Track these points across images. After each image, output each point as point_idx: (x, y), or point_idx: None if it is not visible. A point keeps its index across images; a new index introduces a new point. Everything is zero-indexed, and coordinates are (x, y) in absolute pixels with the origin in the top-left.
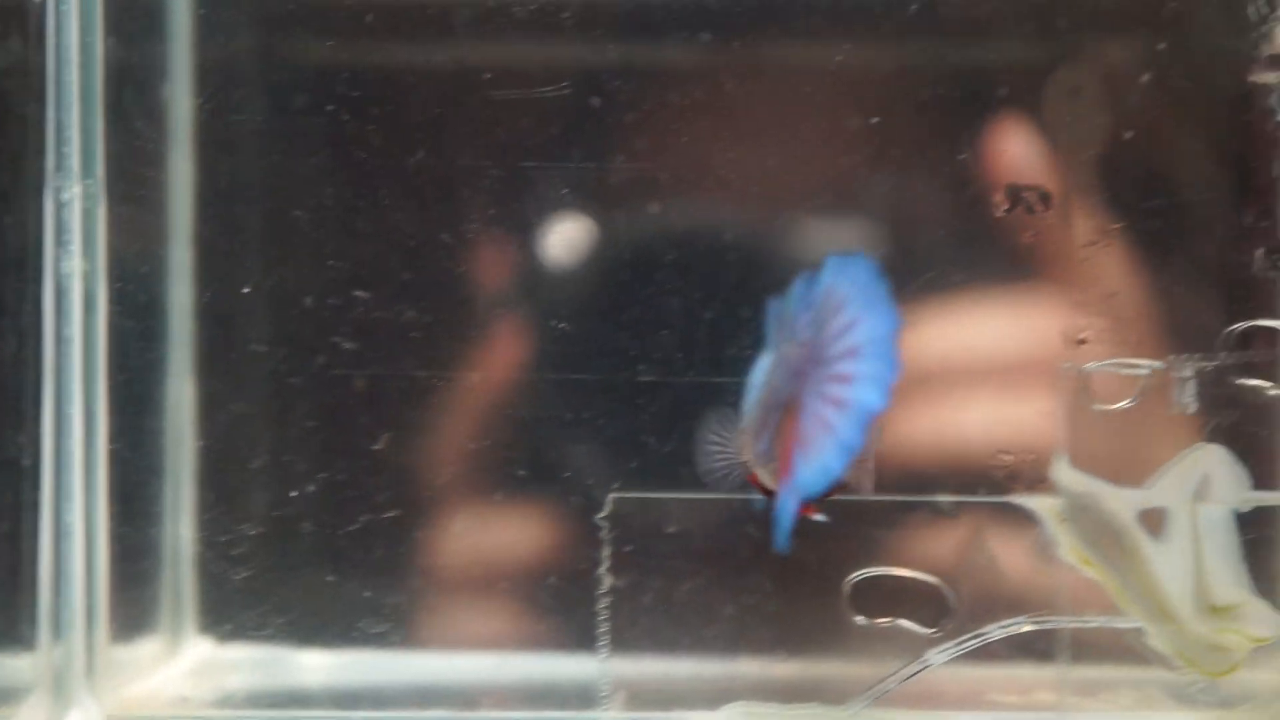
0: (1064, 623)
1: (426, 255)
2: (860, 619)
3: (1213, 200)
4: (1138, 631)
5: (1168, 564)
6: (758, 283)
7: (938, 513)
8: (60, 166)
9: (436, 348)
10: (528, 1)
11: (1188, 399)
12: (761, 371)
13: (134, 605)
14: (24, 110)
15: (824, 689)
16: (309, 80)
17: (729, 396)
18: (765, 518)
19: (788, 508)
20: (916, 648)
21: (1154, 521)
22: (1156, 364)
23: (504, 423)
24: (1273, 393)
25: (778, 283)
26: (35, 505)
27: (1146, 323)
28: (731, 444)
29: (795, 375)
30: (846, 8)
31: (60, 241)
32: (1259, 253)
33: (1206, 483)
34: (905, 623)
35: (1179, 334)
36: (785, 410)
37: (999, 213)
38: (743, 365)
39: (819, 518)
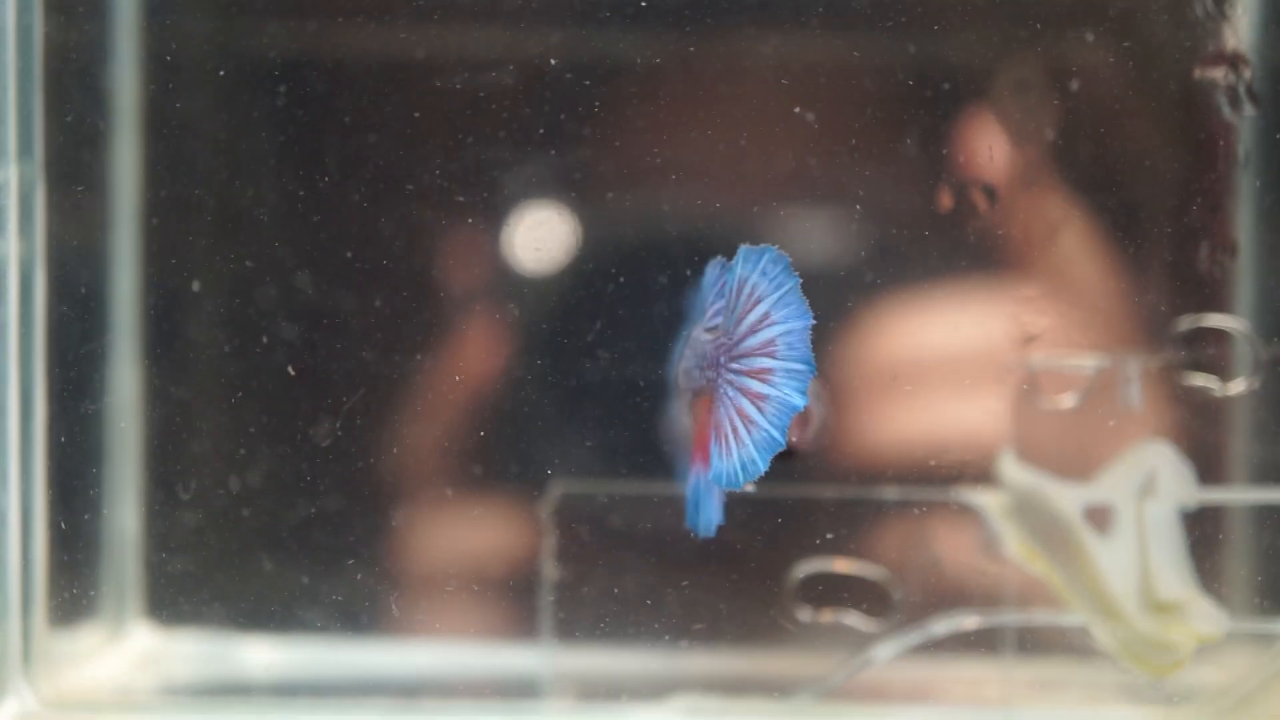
0: (1009, 620)
1: (375, 243)
2: (804, 616)
3: (1160, 197)
4: (1083, 628)
5: (1113, 561)
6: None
7: (883, 507)
8: None
9: (382, 337)
10: None
11: (1134, 396)
12: (678, 353)
13: (74, 593)
14: None
15: (769, 683)
16: (258, 64)
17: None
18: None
19: (702, 495)
20: (863, 642)
21: (1100, 518)
22: (1103, 361)
23: (452, 414)
24: (1218, 391)
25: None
26: None
27: (1093, 320)
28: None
29: (709, 364)
30: (795, 4)
31: None
32: (1204, 249)
33: (1152, 480)
34: (850, 618)
35: (1126, 331)
36: (700, 397)
37: (944, 209)
38: None
39: (748, 488)
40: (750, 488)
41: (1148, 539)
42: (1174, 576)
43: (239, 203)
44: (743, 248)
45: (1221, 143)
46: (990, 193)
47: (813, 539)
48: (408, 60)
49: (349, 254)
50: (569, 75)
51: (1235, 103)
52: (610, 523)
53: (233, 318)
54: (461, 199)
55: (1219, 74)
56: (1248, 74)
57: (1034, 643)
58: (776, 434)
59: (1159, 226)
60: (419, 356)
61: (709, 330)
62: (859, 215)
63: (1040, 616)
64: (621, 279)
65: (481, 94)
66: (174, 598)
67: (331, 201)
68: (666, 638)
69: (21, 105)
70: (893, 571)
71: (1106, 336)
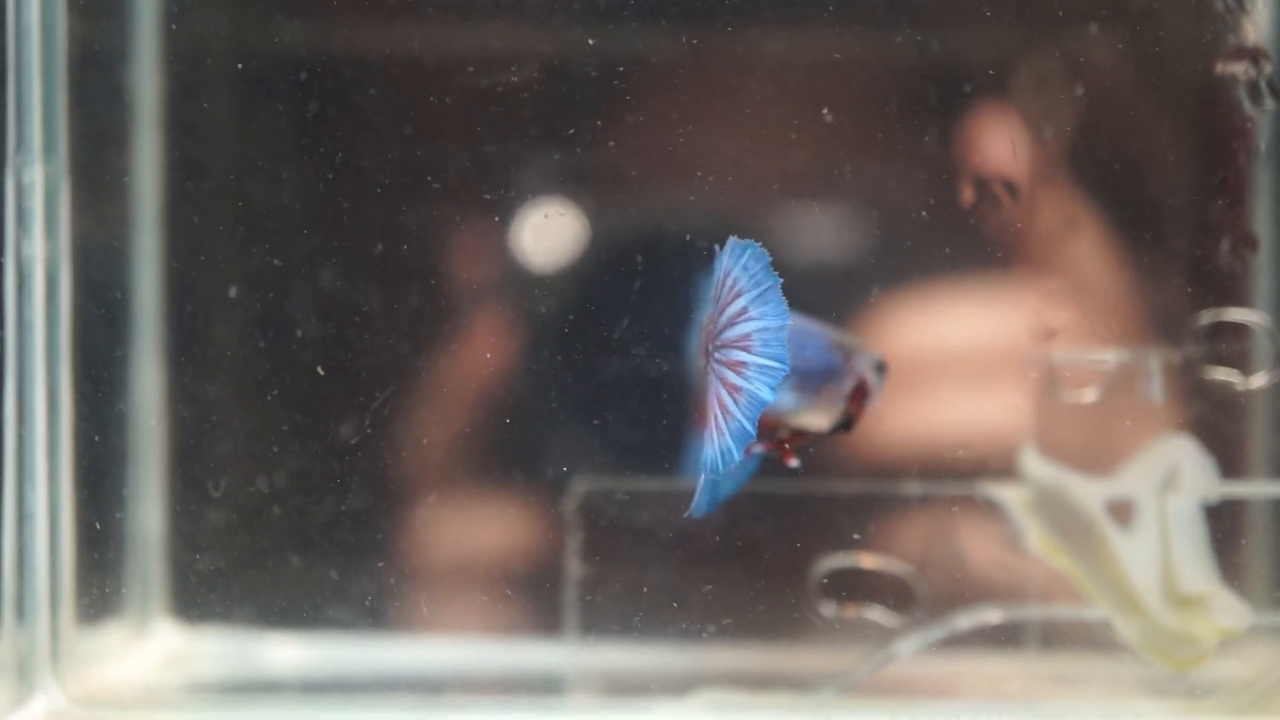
0: (1032, 614)
1: (397, 241)
2: (828, 611)
3: (1181, 191)
4: (1105, 622)
5: (1135, 555)
6: None
7: (906, 503)
8: (22, 148)
9: (407, 335)
10: None
11: (1155, 391)
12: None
13: (100, 591)
14: None
15: (792, 677)
16: (278, 63)
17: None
18: (731, 504)
19: (698, 477)
20: (886, 637)
21: (1122, 512)
22: (1124, 356)
23: (475, 411)
24: (1239, 385)
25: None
26: None
27: (1114, 314)
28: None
29: (702, 350)
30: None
31: (22, 224)
32: (1225, 244)
33: (1174, 474)
34: (873, 613)
35: (1147, 325)
36: (700, 381)
37: (966, 204)
38: None
39: (794, 464)
40: (795, 462)
41: (1170, 533)
42: (1196, 570)
43: (260, 200)
44: (730, 240)
45: (1242, 137)
46: (1011, 188)
47: (836, 535)
48: (426, 58)
49: (371, 251)
50: (587, 72)
51: (1256, 97)
52: (634, 519)
53: (255, 315)
54: (483, 195)
55: (1239, 68)
56: (1268, 68)
57: (1056, 637)
58: (748, 425)
59: (1180, 221)
60: (443, 353)
61: (704, 317)
62: (878, 211)
63: (1063, 611)
64: (641, 274)
65: (501, 90)
66: (199, 596)
67: (352, 198)
68: (690, 633)
69: (46, 106)
70: (916, 567)
71: (1127, 331)
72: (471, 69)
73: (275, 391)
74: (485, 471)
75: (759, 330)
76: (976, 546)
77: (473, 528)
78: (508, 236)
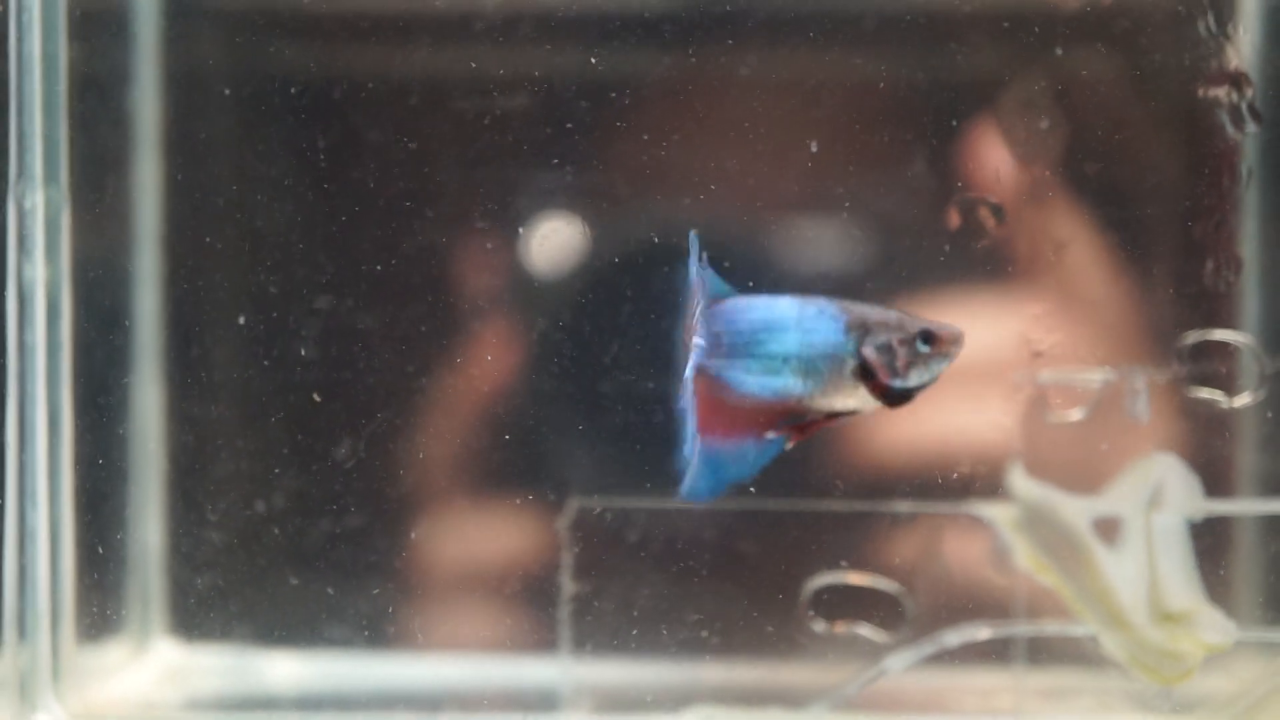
0: (1020, 630)
1: (396, 262)
2: (819, 626)
3: (1166, 214)
4: (1092, 638)
5: (1122, 572)
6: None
7: (895, 520)
8: (23, 174)
9: (405, 355)
10: (501, 10)
11: (1141, 410)
12: None
13: (101, 609)
14: None
15: (785, 694)
16: (277, 86)
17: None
18: (727, 519)
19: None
20: (875, 653)
21: (1108, 530)
22: (1110, 375)
23: (473, 429)
24: (1224, 404)
25: (740, 290)
26: (0, 510)
27: (1101, 335)
28: None
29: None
30: (803, 21)
31: (24, 249)
32: (1210, 265)
33: (1160, 492)
34: (863, 630)
35: (1133, 346)
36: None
37: (952, 227)
38: None
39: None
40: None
41: (1156, 550)
42: (1182, 587)
43: (261, 222)
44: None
45: (1226, 160)
46: (997, 211)
47: (826, 552)
48: (425, 80)
49: (371, 271)
50: (586, 93)
51: (1238, 120)
52: (627, 536)
53: (255, 336)
54: (484, 215)
55: (1222, 92)
56: (1250, 92)
57: (1045, 652)
58: (681, 404)
59: (1165, 243)
60: (442, 372)
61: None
62: (868, 231)
63: (1051, 627)
64: (636, 293)
65: (499, 111)
66: (198, 613)
67: (353, 220)
68: (683, 650)
69: (48, 133)
70: (905, 584)
71: (1113, 351)
72: (470, 90)
73: (275, 411)
74: (481, 488)
75: (697, 315)
76: (965, 563)
77: (468, 544)
78: (509, 256)
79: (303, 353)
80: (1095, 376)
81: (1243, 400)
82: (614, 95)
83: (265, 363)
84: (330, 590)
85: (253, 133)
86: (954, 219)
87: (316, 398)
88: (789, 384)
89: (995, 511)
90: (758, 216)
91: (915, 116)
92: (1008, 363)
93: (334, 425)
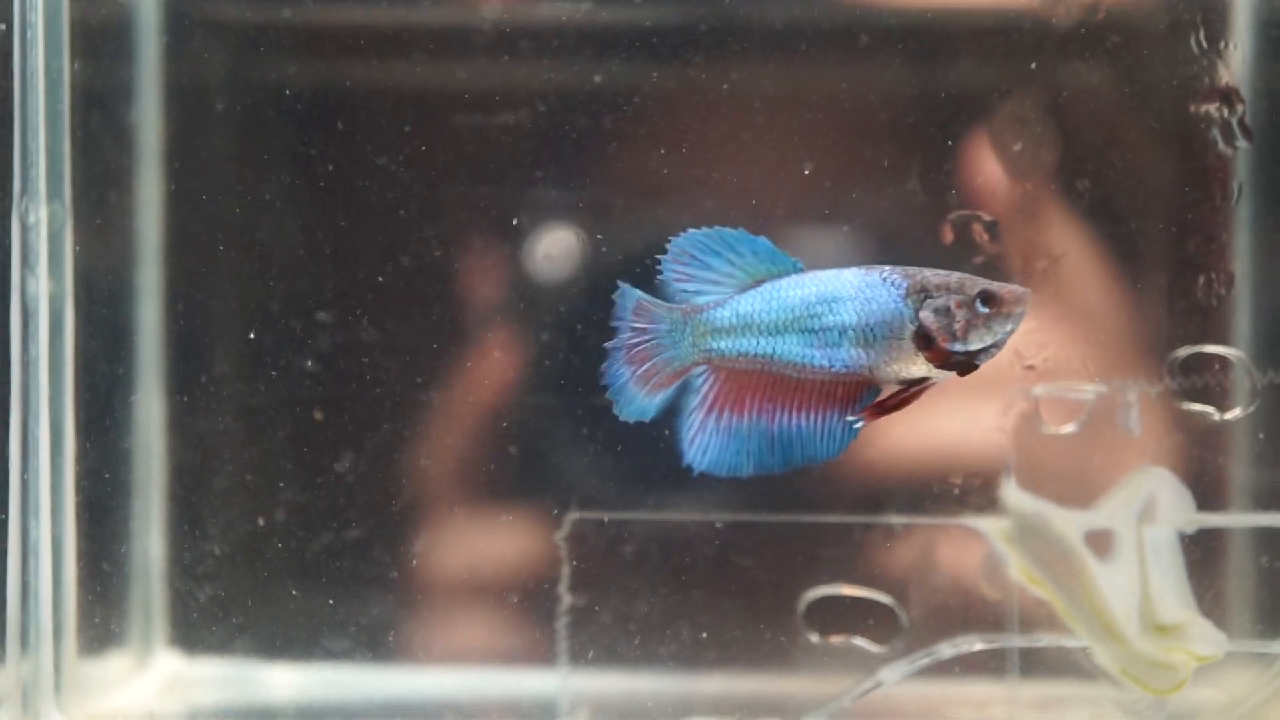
0: (1014, 642)
1: (396, 276)
2: (814, 637)
3: (1158, 229)
4: (1085, 650)
5: (1114, 584)
6: None
7: (890, 533)
8: (27, 190)
9: (406, 368)
10: (501, 24)
11: (1133, 423)
12: None
13: (103, 621)
14: None
15: (782, 705)
16: (279, 101)
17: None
18: (724, 532)
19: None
20: (871, 664)
21: (1101, 543)
22: (1102, 389)
23: (474, 442)
24: (1216, 417)
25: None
26: (3, 524)
27: (1094, 348)
28: None
29: None
30: (797, 37)
31: (27, 263)
32: (1202, 280)
33: (1152, 505)
34: (858, 641)
35: (1125, 360)
36: None
37: (946, 242)
38: None
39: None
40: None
41: (1148, 563)
42: (1174, 599)
43: (262, 236)
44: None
45: (1217, 176)
46: (991, 226)
47: (822, 565)
48: (427, 94)
49: (371, 285)
50: (587, 106)
51: (1229, 136)
52: (625, 549)
53: (258, 350)
54: (487, 228)
55: (1213, 108)
56: (1241, 109)
57: (1038, 664)
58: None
59: (1157, 257)
60: (440, 385)
61: None
62: (862, 246)
63: (1044, 639)
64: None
65: (499, 125)
66: (200, 625)
67: (355, 233)
68: (681, 662)
69: (50, 147)
70: (899, 595)
71: (1106, 365)
72: (471, 104)
73: (277, 425)
74: (481, 502)
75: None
76: (960, 575)
77: (469, 557)
78: (510, 269)
79: (305, 366)
80: (1088, 390)
81: (1234, 414)
82: (615, 108)
83: (267, 376)
84: (331, 602)
85: (255, 147)
86: (948, 235)
87: (318, 416)
88: (852, 355)
89: (988, 524)
90: (754, 230)
91: (909, 133)
92: (1002, 376)
93: (335, 438)
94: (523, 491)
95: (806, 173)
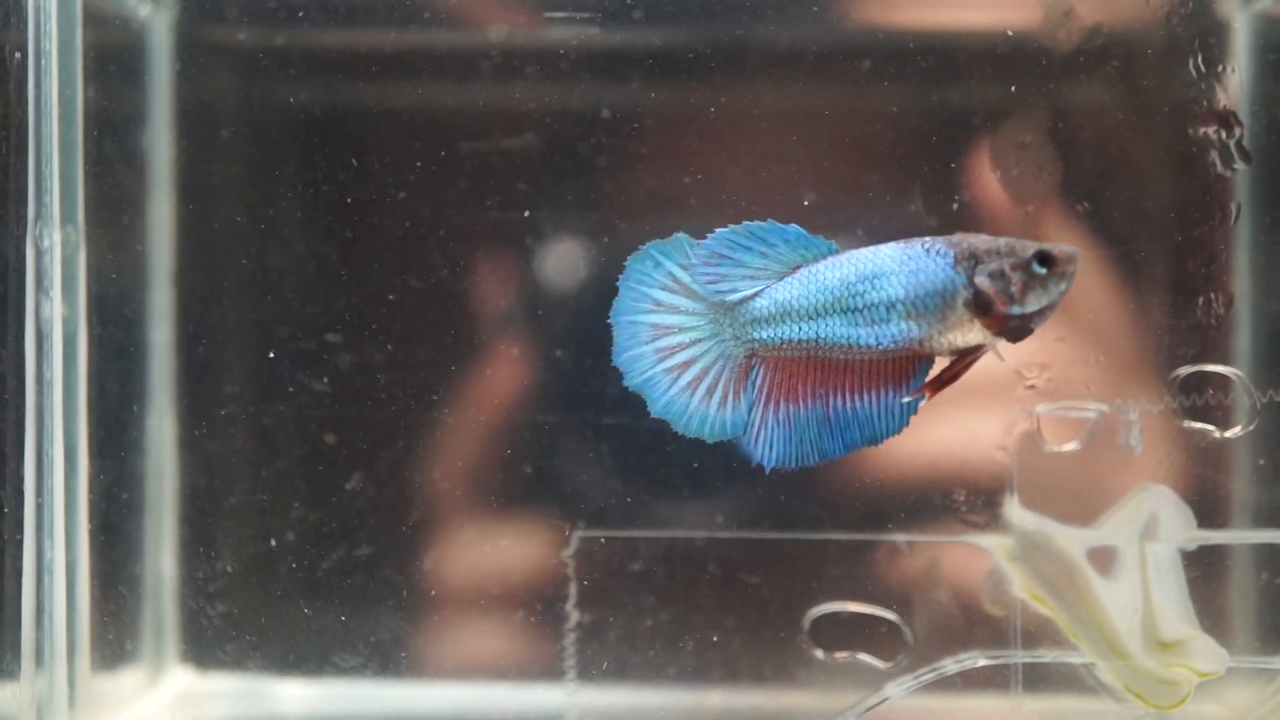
0: (1017, 657)
1: (405, 299)
2: (819, 653)
3: (1158, 249)
4: (1088, 665)
5: (1117, 600)
6: None
7: (894, 550)
8: (41, 215)
9: (414, 387)
10: (512, 49)
11: (1135, 441)
12: None
13: (116, 638)
14: (5, 161)
15: (789, 719)
16: (288, 125)
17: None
18: (729, 549)
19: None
20: (876, 680)
21: (1103, 560)
22: (1103, 407)
23: (479, 461)
24: (1216, 435)
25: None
26: (18, 543)
27: (1095, 367)
28: None
29: None
30: (800, 59)
31: (41, 287)
32: (1202, 300)
33: (1154, 522)
34: (864, 657)
35: (1127, 378)
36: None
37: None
38: None
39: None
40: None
41: (1150, 579)
42: (1176, 615)
43: (272, 258)
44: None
45: (1216, 197)
46: None
47: (827, 581)
48: (436, 117)
49: (380, 305)
50: (593, 126)
51: (1227, 158)
52: (631, 566)
53: (268, 370)
54: (495, 248)
55: (1211, 131)
56: (1239, 131)
57: (1042, 679)
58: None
59: (1157, 277)
60: (449, 404)
61: None
62: None
63: (1047, 654)
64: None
65: (506, 146)
66: (211, 642)
67: (362, 255)
68: (686, 677)
69: (64, 172)
70: (904, 612)
71: (1108, 383)
72: (478, 126)
73: (287, 444)
74: (489, 520)
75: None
76: (963, 592)
77: (477, 574)
78: (518, 287)
79: (315, 386)
80: (1090, 408)
81: (1235, 432)
82: (622, 128)
83: (278, 396)
84: (342, 619)
85: (264, 171)
86: None
87: (329, 439)
88: (902, 329)
89: (992, 541)
90: None
91: (911, 153)
92: (1002, 395)
93: (346, 457)
94: (530, 509)
95: (808, 190)
